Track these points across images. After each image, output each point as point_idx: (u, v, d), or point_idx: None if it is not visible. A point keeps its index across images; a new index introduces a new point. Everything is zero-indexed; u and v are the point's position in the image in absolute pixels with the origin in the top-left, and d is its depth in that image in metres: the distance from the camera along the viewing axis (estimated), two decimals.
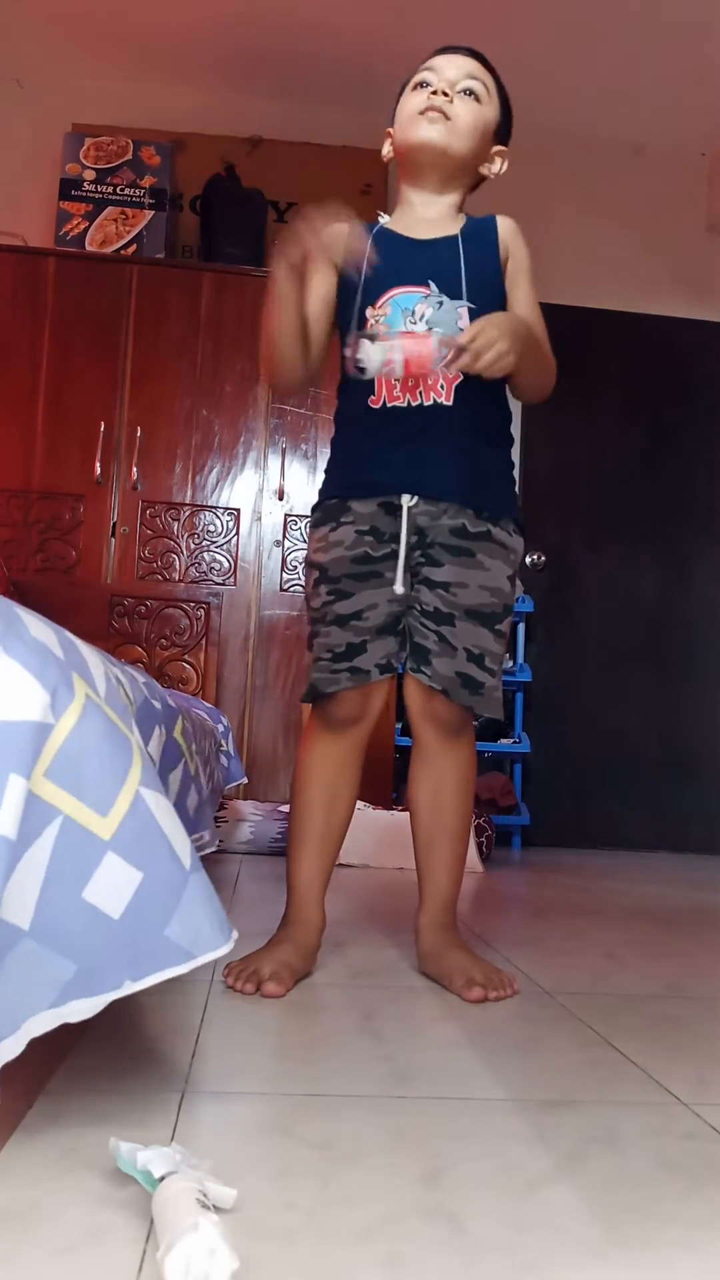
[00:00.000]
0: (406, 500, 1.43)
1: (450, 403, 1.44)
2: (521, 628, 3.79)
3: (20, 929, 0.70)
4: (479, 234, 1.52)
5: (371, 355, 1.29)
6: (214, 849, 2.08)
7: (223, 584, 3.37)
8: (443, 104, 1.45)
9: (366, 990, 1.36)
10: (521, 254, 1.54)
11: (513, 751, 3.70)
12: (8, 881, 0.68)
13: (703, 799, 3.95)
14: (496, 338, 1.31)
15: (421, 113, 1.46)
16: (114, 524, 3.32)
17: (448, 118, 1.46)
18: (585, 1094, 0.98)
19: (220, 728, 2.52)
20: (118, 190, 3.47)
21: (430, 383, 1.43)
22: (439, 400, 1.44)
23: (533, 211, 4.10)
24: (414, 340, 1.32)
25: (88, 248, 3.43)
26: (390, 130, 1.55)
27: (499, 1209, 0.72)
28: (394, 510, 1.45)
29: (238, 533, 3.39)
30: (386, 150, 1.57)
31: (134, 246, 3.44)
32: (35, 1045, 0.85)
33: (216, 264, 3.47)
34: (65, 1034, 1.00)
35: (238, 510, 3.39)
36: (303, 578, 1.55)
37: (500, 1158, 0.82)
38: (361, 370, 1.31)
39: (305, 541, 1.82)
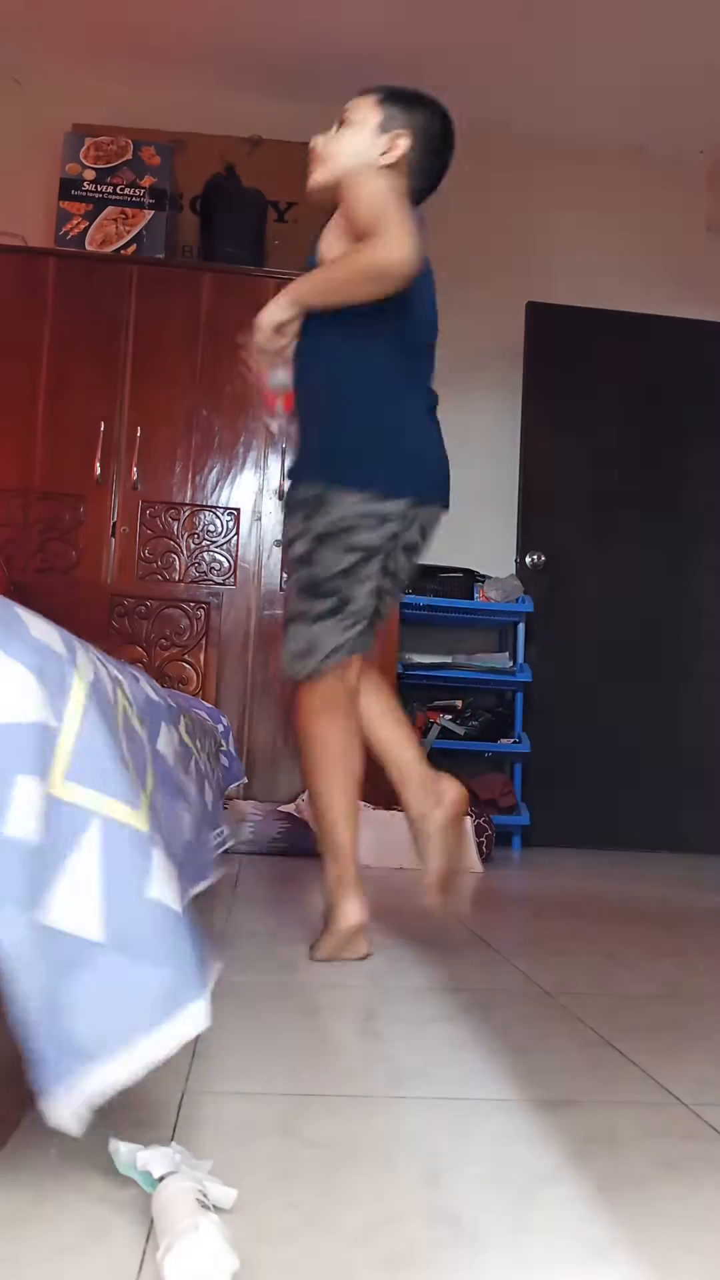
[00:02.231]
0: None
1: (290, 410, 1.71)
2: (521, 628, 3.79)
3: (94, 942, 0.65)
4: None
5: None
6: (232, 843, 2.09)
7: (223, 584, 3.37)
8: (313, 148, 1.70)
9: (366, 990, 1.36)
10: (351, 203, 1.57)
11: (513, 751, 3.70)
12: (50, 889, 0.65)
13: (703, 799, 3.95)
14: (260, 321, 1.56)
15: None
16: (114, 524, 3.32)
17: (320, 160, 1.69)
18: (585, 1094, 0.98)
19: (220, 728, 2.52)
20: (118, 190, 3.47)
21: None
22: (281, 411, 1.75)
23: (533, 211, 4.13)
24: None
25: (88, 248, 3.43)
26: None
27: (499, 1209, 0.72)
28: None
29: (238, 533, 3.39)
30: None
31: (134, 246, 3.44)
32: None
33: (216, 264, 3.47)
34: None
35: (238, 510, 3.39)
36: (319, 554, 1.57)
37: (500, 1158, 0.82)
38: None
39: None
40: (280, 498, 3.39)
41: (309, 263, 1.66)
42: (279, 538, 3.39)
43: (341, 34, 3.61)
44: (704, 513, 4.08)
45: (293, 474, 1.65)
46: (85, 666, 0.82)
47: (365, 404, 1.57)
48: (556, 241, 4.12)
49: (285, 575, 1.61)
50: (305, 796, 3.04)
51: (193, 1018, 0.66)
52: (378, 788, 3.29)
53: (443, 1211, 0.71)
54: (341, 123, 1.70)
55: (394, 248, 1.47)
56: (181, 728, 1.47)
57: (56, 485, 3.30)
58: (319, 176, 1.68)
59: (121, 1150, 0.71)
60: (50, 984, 0.62)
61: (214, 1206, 0.64)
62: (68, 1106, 0.61)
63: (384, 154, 1.68)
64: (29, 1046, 0.62)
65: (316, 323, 1.58)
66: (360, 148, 1.67)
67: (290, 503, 1.61)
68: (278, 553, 3.39)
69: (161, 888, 0.70)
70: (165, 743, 1.21)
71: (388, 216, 1.49)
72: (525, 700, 3.77)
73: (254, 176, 3.61)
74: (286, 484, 1.63)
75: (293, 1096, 0.93)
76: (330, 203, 1.67)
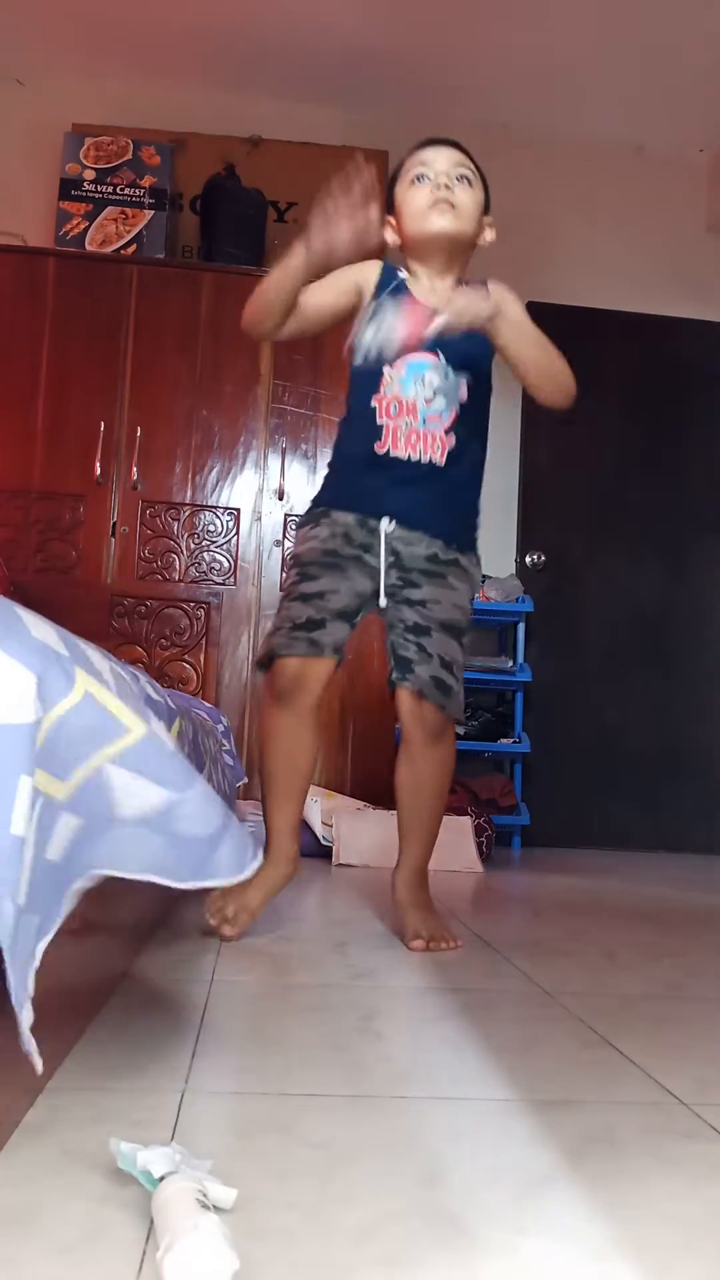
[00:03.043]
0: (385, 524, 1.69)
1: (443, 463, 1.70)
2: (521, 628, 3.79)
3: (59, 802, 0.75)
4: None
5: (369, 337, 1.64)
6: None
7: (223, 584, 3.37)
8: (447, 195, 1.68)
9: (366, 990, 1.36)
10: (513, 310, 1.70)
11: (513, 751, 3.70)
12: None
13: (703, 799, 3.95)
14: (466, 304, 1.55)
15: (432, 205, 1.67)
16: (114, 524, 3.32)
17: (454, 206, 1.68)
18: (585, 1094, 0.98)
19: (220, 727, 2.52)
20: (118, 190, 3.47)
21: (429, 445, 1.68)
22: (434, 460, 1.69)
23: (533, 212, 4.13)
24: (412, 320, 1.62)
25: (88, 248, 3.43)
26: (390, 220, 1.74)
27: (499, 1209, 0.72)
28: (368, 527, 1.69)
29: (238, 533, 3.39)
30: (391, 238, 1.75)
31: (134, 246, 3.44)
32: (36, 1044, 0.85)
33: (216, 264, 3.47)
34: (66, 1033, 1.00)
35: (238, 510, 3.39)
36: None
37: (500, 1158, 0.82)
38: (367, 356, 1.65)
39: None
40: (280, 497, 3.39)
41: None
42: (279, 538, 3.40)
43: (342, 34, 3.61)
44: (704, 513, 4.08)
45: (425, 526, 1.71)
46: (89, 665, 0.82)
47: (479, 489, 1.84)
48: (556, 241, 4.12)
49: (433, 624, 1.71)
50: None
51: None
52: (378, 787, 3.30)
53: (443, 1211, 0.71)
54: (463, 174, 1.71)
55: (573, 385, 1.71)
56: (175, 729, 1.47)
57: (56, 485, 3.30)
58: (456, 224, 1.69)
59: (122, 1150, 0.71)
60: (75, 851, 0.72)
61: (214, 1206, 0.64)
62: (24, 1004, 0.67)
63: (486, 238, 1.79)
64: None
65: (476, 406, 1.74)
66: (480, 218, 1.75)
67: (446, 560, 1.72)
68: (278, 553, 3.39)
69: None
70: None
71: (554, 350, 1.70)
72: (525, 700, 3.77)
73: (254, 176, 3.61)
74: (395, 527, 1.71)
75: (293, 1096, 0.93)
76: (443, 246, 1.71)
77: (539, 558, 3.93)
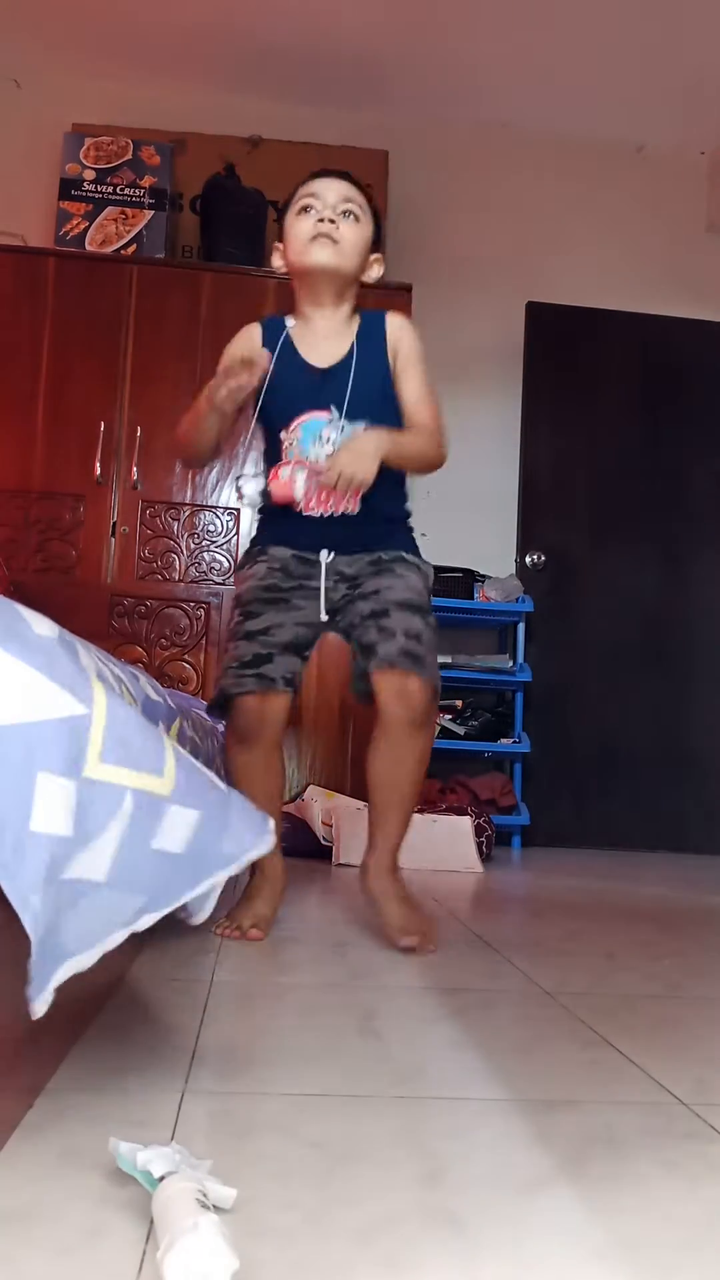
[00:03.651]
0: (324, 555, 1.72)
1: (356, 510, 1.70)
2: (521, 628, 3.79)
3: (97, 882, 0.75)
4: (369, 337, 1.75)
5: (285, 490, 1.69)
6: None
7: (223, 584, 3.37)
8: (329, 230, 1.69)
9: (366, 990, 1.36)
10: (409, 347, 1.76)
11: (513, 751, 3.70)
12: (72, 864, 0.72)
13: (703, 799, 3.95)
14: (352, 472, 1.57)
15: (313, 239, 1.69)
16: (114, 524, 3.32)
17: (335, 241, 1.69)
18: (585, 1094, 0.98)
19: (220, 728, 2.52)
20: (118, 190, 3.47)
21: (339, 499, 1.68)
22: (349, 510, 1.70)
23: (533, 212, 4.13)
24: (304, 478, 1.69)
25: (88, 248, 3.43)
26: (279, 245, 1.78)
27: (499, 1209, 0.72)
28: (306, 560, 1.72)
29: (238, 533, 3.39)
30: (278, 263, 1.79)
31: (134, 246, 3.44)
32: (36, 1044, 0.85)
33: (216, 264, 3.47)
34: (65, 1033, 1.00)
35: (238, 510, 3.39)
36: None
37: (500, 1158, 0.82)
38: (271, 498, 1.72)
39: None
40: None
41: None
42: None
43: (342, 34, 3.61)
44: (704, 512, 4.08)
45: (375, 543, 1.74)
46: (87, 666, 0.82)
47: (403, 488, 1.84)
48: (556, 241, 4.12)
49: (402, 612, 1.69)
50: (305, 796, 3.04)
51: (146, 923, 0.81)
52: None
53: (443, 1211, 0.71)
54: (349, 210, 1.71)
55: (435, 457, 1.75)
56: (173, 731, 1.47)
57: (56, 485, 3.30)
58: (335, 259, 1.70)
59: (121, 1150, 0.71)
60: (54, 919, 0.71)
61: (214, 1206, 0.64)
62: (43, 991, 0.70)
63: (371, 274, 1.79)
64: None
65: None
66: (364, 254, 1.75)
67: (390, 559, 1.74)
68: None
69: (167, 839, 0.81)
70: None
71: (435, 422, 1.74)
72: (525, 700, 3.77)
73: (254, 176, 3.61)
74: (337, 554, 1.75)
75: (293, 1096, 0.93)
76: (323, 280, 1.72)
77: (539, 558, 3.93)
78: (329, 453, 1.67)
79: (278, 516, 1.77)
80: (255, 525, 1.87)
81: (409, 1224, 0.69)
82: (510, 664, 3.75)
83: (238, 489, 3.35)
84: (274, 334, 1.77)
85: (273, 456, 1.77)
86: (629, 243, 4.16)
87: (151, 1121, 0.85)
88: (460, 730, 3.68)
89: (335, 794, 3.16)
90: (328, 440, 1.69)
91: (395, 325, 1.77)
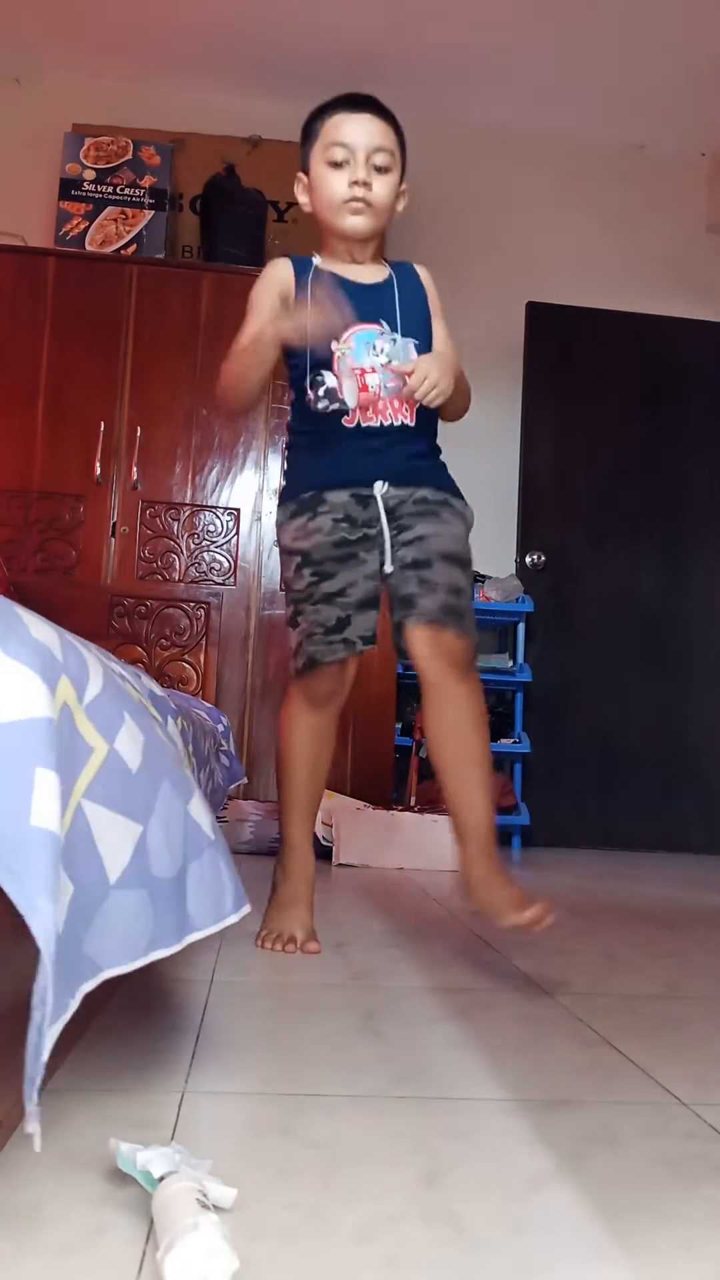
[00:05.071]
0: (379, 487, 1.64)
1: (414, 424, 1.67)
2: (521, 628, 3.79)
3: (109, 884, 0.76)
4: (406, 279, 1.74)
5: (335, 390, 1.62)
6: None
7: (223, 584, 3.37)
8: (364, 194, 1.63)
9: (366, 990, 1.36)
10: (436, 296, 1.76)
11: (513, 751, 3.70)
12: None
13: (703, 799, 3.95)
14: (438, 377, 1.56)
15: (346, 202, 1.64)
16: (114, 524, 3.32)
17: (370, 204, 1.64)
18: (585, 1094, 0.98)
19: (220, 727, 2.52)
20: (118, 190, 3.47)
21: (396, 409, 1.66)
22: (405, 422, 1.66)
23: (533, 212, 4.13)
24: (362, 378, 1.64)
25: (88, 248, 3.43)
26: (302, 177, 1.75)
27: (499, 1209, 0.72)
28: (364, 500, 1.65)
29: (238, 533, 3.39)
30: (303, 199, 1.75)
31: (134, 246, 3.44)
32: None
33: (216, 264, 3.47)
34: (66, 1033, 1.00)
35: (238, 510, 3.39)
36: (281, 565, 1.76)
37: (500, 1158, 0.82)
38: (326, 405, 1.62)
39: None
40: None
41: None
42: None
43: (342, 34, 3.61)
44: (704, 512, 4.08)
45: (415, 478, 1.67)
46: (83, 669, 0.82)
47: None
48: (556, 241, 4.12)
49: (440, 564, 1.62)
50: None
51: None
52: (378, 787, 3.30)
53: (442, 1211, 0.71)
54: (381, 164, 1.65)
55: (468, 405, 1.74)
56: (183, 728, 1.47)
57: (56, 485, 3.30)
58: (370, 224, 1.66)
59: (121, 1150, 0.71)
60: (72, 932, 0.69)
61: (214, 1206, 0.64)
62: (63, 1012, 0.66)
63: (398, 207, 1.72)
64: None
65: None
66: (396, 199, 1.70)
67: (436, 500, 1.66)
68: (277, 552, 3.38)
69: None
70: (173, 732, 1.22)
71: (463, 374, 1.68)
72: (525, 700, 3.77)
73: (254, 176, 3.61)
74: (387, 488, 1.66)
75: (293, 1096, 0.93)
76: (357, 240, 1.69)
77: (539, 558, 3.93)
78: (382, 363, 1.64)
79: (320, 444, 1.68)
80: (286, 461, 1.74)
81: (409, 1224, 0.69)
82: (510, 664, 3.75)
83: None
84: (304, 268, 1.73)
85: (318, 369, 1.66)
86: (629, 243, 4.16)
87: (151, 1121, 0.85)
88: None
89: (335, 794, 3.16)
90: (381, 351, 1.66)
91: (425, 272, 1.76)
